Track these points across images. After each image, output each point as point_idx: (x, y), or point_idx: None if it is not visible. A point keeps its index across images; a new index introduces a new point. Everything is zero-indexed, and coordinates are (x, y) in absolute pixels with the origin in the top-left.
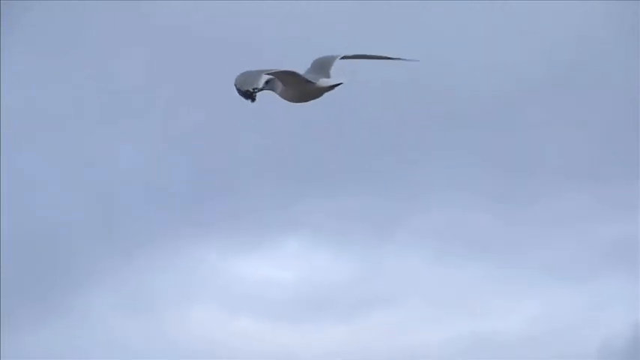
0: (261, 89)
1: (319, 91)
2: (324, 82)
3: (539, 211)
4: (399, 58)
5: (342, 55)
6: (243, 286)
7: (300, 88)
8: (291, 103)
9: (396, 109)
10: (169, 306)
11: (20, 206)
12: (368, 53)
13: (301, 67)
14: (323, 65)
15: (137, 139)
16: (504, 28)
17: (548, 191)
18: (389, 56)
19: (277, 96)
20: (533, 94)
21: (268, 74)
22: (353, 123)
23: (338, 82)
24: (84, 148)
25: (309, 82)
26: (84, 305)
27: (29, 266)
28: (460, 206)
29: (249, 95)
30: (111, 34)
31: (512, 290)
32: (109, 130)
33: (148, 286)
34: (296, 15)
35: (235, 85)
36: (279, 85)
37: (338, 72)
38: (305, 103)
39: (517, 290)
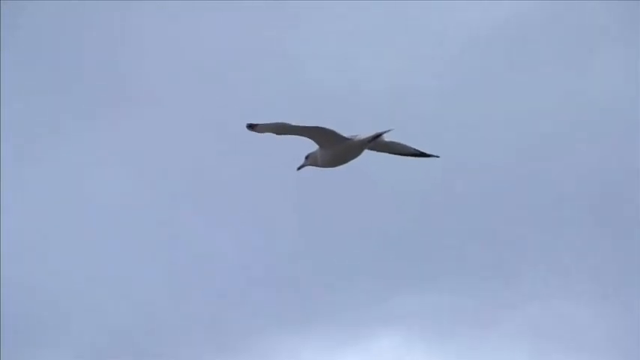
0: (302, 166)
1: (358, 148)
2: (361, 136)
3: None
4: (424, 154)
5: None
6: None
7: (337, 147)
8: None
9: (490, 201)
10: None
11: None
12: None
13: None
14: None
15: (231, 225)
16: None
17: None
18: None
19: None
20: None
21: (306, 127)
22: (448, 218)
23: (376, 134)
24: (173, 233)
25: (346, 139)
26: None
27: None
28: (559, 302)
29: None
30: None
31: None
32: (200, 213)
33: None
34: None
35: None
36: (317, 154)
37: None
38: (345, 164)
39: None
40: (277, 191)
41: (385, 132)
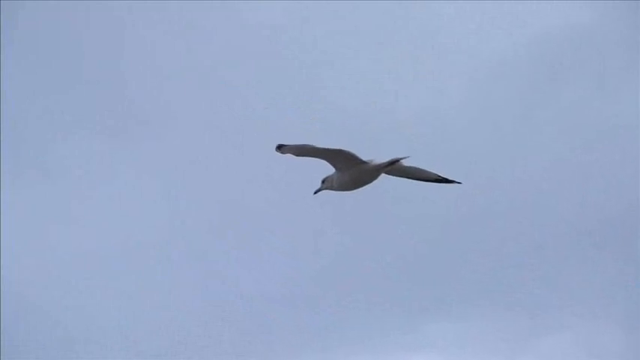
0: (319, 190)
1: (374, 172)
2: (378, 161)
3: None
4: (445, 180)
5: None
6: None
7: (354, 170)
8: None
9: (519, 227)
10: None
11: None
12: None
13: None
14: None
15: (257, 251)
16: None
17: None
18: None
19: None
20: None
21: (329, 149)
22: (478, 243)
23: (393, 160)
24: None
25: (364, 162)
26: None
27: None
28: (591, 327)
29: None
30: None
31: None
32: (226, 241)
33: None
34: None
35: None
36: (333, 177)
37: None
38: (361, 188)
39: None
40: (303, 216)
41: (402, 158)
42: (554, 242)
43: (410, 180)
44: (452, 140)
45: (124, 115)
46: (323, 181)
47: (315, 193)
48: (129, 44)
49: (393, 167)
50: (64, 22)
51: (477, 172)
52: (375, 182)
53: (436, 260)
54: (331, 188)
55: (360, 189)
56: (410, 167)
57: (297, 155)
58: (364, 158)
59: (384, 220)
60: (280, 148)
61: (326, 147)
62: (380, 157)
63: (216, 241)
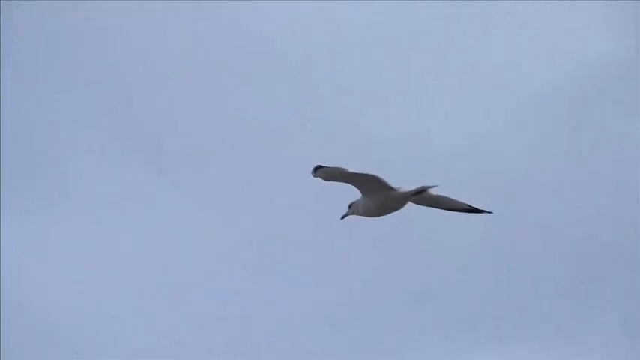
0: (346, 215)
1: (402, 200)
2: (406, 189)
3: None
4: (475, 209)
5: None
6: None
7: (381, 196)
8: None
9: (560, 259)
10: None
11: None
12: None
13: None
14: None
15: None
16: None
17: None
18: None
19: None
20: None
21: (359, 174)
22: (525, 275)
23: (421, 188)
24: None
25: (392, 189)
26: None
27: None
28: None
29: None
30: None
31: None
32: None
33: None
34: None
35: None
36: (360, 203)
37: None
38: (386, 215)
39: None
40: (342, 245)
41: (430, 187)
42: (597, 272)
43: (441, 210)
44: (489, 170)
45: (160, 145)
46: (350, 206)
47: (342, 218)
48: (161, 72)
49: (422, 197)
50: (102, 49)
51: (518, 203)
52: (408, 210)
53: (479, 291)
54: (357, 213)
55: (389, 216)
56: (439, 196)
57: (326, 179)
58: (394, 185)
59: (417, 249)
60: (316, 170)
61: (356, 171)
62: (411, 186)
63: (247, 268)
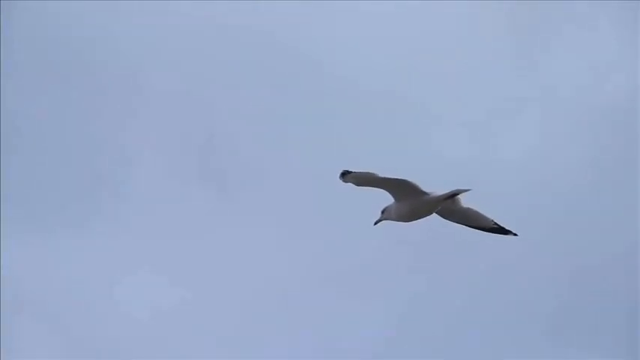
0: (379, 220)
1: (434, 204)
2: (438, 193)
3: None
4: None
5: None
6: None
7: (414, 201)
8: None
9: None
10: None
11: None
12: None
13: None
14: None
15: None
16: None
17: None
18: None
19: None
20: None
21: (391, 179)
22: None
23: (453, 192)
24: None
25: (425, 193)
26: None
27: None
28: None
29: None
30: None
31: None
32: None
33: None
34: None
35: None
36: (392, 208)
37: None
38: (418, 220)
39: None
40: (392, 267)
41: (464, 191)
42: None
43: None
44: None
45: (221, 167)
46: (382, 212)
47: (375, 223)
48: (213, 89)
49: (451, 208)
50: (137, 64)
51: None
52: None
53: (513, 301)
54: (390, 218)
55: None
56: (468, 209)
57: (357, 184)
58: (426, 189)
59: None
60: (344, 175)
61: (388, 176)
62: (436, 190)
63: (307, 291)
